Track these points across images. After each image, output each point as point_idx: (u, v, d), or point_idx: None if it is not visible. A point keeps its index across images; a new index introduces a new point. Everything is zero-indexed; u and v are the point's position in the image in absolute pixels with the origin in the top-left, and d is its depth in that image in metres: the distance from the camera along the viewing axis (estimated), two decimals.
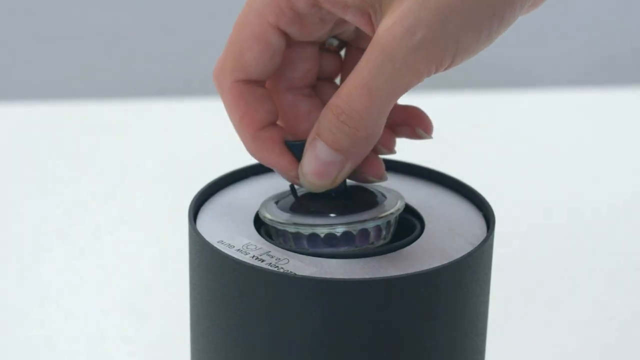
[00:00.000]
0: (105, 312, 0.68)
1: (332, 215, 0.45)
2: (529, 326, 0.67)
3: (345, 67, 0.48)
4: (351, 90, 0.42)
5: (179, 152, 0.92)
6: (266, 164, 0.47)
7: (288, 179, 0.47)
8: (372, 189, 0.48)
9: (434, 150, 0.78)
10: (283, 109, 0.47)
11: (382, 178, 0.47)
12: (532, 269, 0.73)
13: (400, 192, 0.49)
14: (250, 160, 0.48)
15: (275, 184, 0.50)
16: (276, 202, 0.47)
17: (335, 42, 0.48)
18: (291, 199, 0.47)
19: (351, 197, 0.47)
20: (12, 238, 0.78)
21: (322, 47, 0.48)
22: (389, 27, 0.40)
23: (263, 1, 0.44)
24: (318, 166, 0.44)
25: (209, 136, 0.92)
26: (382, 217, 0.46)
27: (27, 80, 1.50)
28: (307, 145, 0.44)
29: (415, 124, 0.47)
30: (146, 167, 0.89)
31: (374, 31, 0.42)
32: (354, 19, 0.43)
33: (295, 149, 0.46)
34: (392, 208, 0.46)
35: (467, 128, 0.95)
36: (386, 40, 0.40)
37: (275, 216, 0.46)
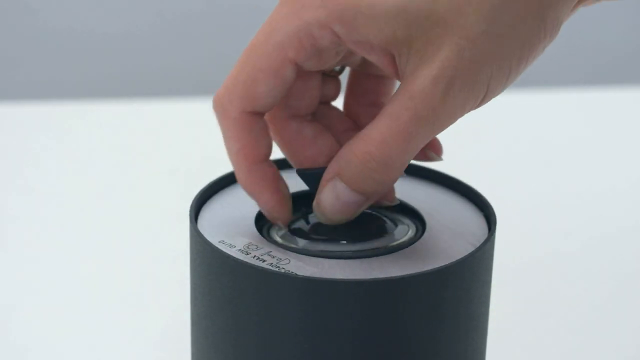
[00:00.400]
0: (106, 312, 0.68)
1: (342, 242, 0.45)
2: (530, 327, 0.67)
3: (353, 92, 0.48)
4: (387, 138, 0.42)
5: (181, 152, 0.92)
6: (256, 199, 0.46)
7: (270, 218, 0.46)
8: (385, 216, 0.48)
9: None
10: (287, 136, 0.47)
11: (393, 201, 0.47)
12: (533, 270, 0.73)
13: (401, 192, 0.49)
14: None
15: None
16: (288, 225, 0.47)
17: (338, 68, 0.48)
18: (302, 222, 0.47)
19: (363, 223, 0.46)
20: (11, 237, 0.77)
21: (324, 72, 0.48)
22: (430, 79, 0.41)
23: (284, 35, 0.43)
24: (338, 206, 0.44)
25: (211, 135, 0.92)
26: (391, 247, 0.46)
27: (27, 80, 1.50)
28: (324, 181, 0.44)
29: (426, 146, 0.47)
30: (147, 167, 0.89)
31: (396, 72, 0.43)
32: (377, 59, 0.43)
33: (309, 179, 0.46)
34: (402, 238, 0.46)
35: (467, 128, 0.94)
36: (429, 92, 0.41)
37: (285, 240, 0.46)
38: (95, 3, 1.56)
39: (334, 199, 0.44)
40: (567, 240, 0.77)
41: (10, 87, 1.48)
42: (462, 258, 0.43)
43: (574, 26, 1.57)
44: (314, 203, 0.45)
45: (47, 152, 0.92)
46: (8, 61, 1.51)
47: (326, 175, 0.44)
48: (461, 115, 0.42)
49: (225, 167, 0.51)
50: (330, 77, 0.48)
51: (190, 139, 0.94)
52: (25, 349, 0.64)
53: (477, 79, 0.41)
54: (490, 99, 0.42)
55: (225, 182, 0.50)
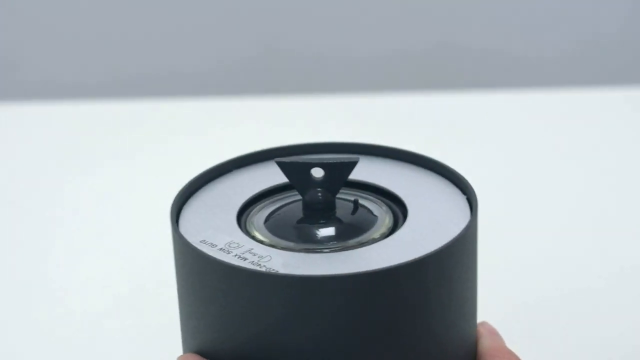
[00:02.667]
0: (102, 311, 0.68)
1: (324, 235, 0.45)
2: (518, 311, 0.67)
3: None
4: None
5: (177, 151, 0.92)
6: None
7: None
8: (365, 204, 0.47)
9: (434, 150, 0.77)
10: None
11: None
12: (526, 264, 0.73)
13: (382, 176, 0.48)
14: (231, 154, 0.47)
15: (257, 178, 0.49)
16: (267, 218, 0.47)
17: None
18: (283, 213, 0.47)
19: (344, 213, 0.46)
20: (10, 237, 0.78)
21: None
22: None
23: None
24: None
25: (205, 134, 0.92)
26: (373, 237, 0.45)
27: (27, 80, 1.51)
28: None
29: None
30: (142, 166, 0.89)
31: None
32: None
33: (288, 169, 0.46)
34: (383, 226, 0.46)
35: (467, 128, 0.94)
36: None
37: (266, 236, 0.45)
38: (97, 3, 1.56)
39: None
40: (564, 240, 0.77)
41: (10, 87, 1.49)
42: (445, 245, 0.42)
43: (575, 25, 1.57)
44: None
45: (44, 151, 0.92)
46: (9, 61, 1.51)
47: None
48: None
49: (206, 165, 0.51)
50: None
51: (188, 138, 0.94)
52: (23, 349, 0.64)
53: None
54: None
55: (205, 179, 0.49)
